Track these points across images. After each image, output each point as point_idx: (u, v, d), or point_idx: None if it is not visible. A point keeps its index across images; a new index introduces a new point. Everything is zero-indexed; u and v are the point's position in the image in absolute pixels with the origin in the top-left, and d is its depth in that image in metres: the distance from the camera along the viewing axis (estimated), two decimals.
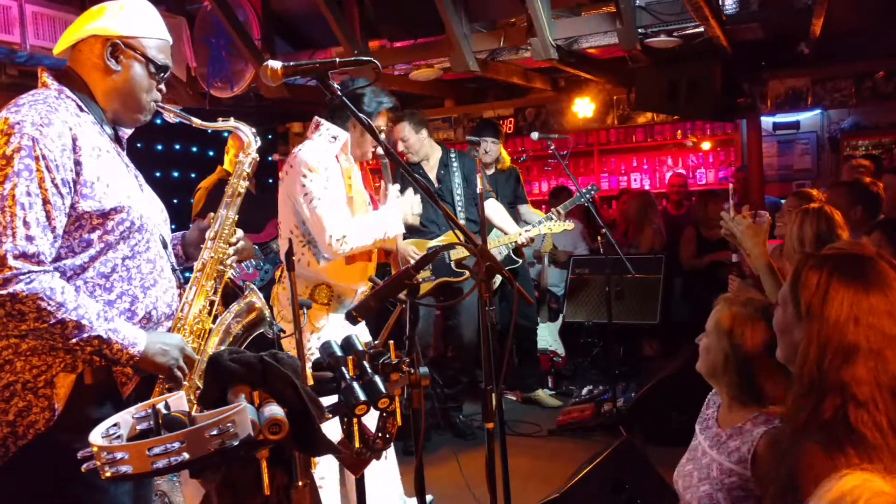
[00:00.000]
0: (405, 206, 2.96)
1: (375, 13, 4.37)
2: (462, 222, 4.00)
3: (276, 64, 1.69)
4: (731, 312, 1.77)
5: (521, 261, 4.51)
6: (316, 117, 2.81)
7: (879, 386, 1.26)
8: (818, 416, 1.28)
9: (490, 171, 4.66)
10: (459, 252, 3.92)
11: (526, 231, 4.05)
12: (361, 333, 2.87)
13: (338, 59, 1.72)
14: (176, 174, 6.32)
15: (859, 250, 1.45)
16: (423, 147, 4.05)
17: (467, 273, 3.90)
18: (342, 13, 4.24)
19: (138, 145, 5.80)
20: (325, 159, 2.68)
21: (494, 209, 4.06)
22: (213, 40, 4.61)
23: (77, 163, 1.60)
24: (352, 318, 1.67)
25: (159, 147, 6.22)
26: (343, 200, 2.72)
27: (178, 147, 6.38)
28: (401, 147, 3.98)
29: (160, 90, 1.81)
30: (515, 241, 4.03)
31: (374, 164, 3.34)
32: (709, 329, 1.84)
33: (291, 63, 1.71)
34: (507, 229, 4.06)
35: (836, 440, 1.24)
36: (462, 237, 1.76)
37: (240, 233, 1.96)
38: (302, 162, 2.66)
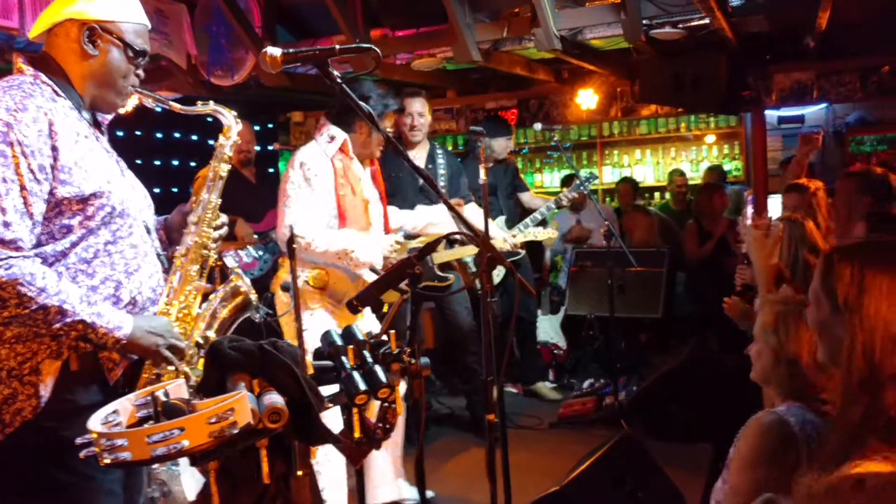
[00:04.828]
0: (384, 246, 2.91)
1: (378, 2, 4.33)
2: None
3: (275, 51, 1.67)
4: (774, 312, 1.77)
5: (522, 252, 4.49)
6: (322, 118, 2.91)
7: None
8: (880, 412, 1.21)
9: (488, 164, 4.62)
10: (442, 256, 3.89)
11: (512, 236, 4.02)
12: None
13: (338, 47, 1.70)
14: (175, 162, 6.29)
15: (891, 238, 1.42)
16: (426, 130, 4.01)
17: (451, 278, 3.88)
18: (344, 2, 4.21)
19: (137, 133, 5.77)
20: (314, 159, 2.79)
21: (476, 214, 3.89)
22: (214, 28, 4.58)
23: (54, 148, 1.58)
24: (353, 306, 1.65)
25: (159, 135, 6.19)
26: (322, 200, 2.78)
27: (177, 135, 6.35)
28: (416, 122, 3.90)
29: (138, 75, 1.80)
30: (501, 248, 3.98)
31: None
32: (757, 334, 1.83)
33: (291, 50, 1.69)
34: (492, 234, 4.00)
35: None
36: (464, 226, 1.74)
37: (224, 217, 1.94)
38: (294, 160, 2.80)
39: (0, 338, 1.58)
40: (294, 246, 1.48)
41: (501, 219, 4.55)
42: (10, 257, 1.51)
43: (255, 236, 4.22)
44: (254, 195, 4.33)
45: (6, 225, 1.51)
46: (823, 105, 6.16)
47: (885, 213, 2.94)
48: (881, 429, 1.21)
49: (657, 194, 7.04)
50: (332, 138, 2.82)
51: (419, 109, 3.90)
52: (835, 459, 1.22)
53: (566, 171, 7.18)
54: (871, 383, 1.23)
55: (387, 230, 3.03)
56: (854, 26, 4.69)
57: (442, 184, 4.02)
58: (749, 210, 2.64)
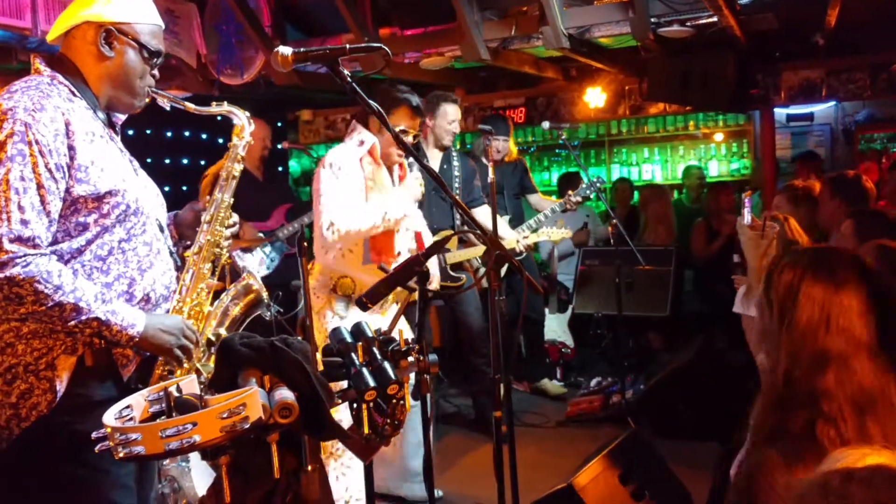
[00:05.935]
0: (412, 188, 2.96)
1: (387, 1, 4.35)
2: (457, 223, 3.99)
3: (286, 50, 1.69)
4: None
5: (525, 253, 4.48)
6: (353, 121, 2.94)
7: (846, 398, 1.19)
8: (786, 427, 1.20)
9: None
10: (455, 256, 3.90)
11: (524, 237, 4.01)
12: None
13: (348, 46, 1.72)
14: (185, 161, 6.32)
15: (835, 247, 1.41)
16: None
17: (463, 278, 3.88)
18: (353, 1, 4.22)
19: (147, 132, 5.79)
20: (343, 158, 2.81)
21: (488, 216, 3.83)
22: (224, 27, 4.60)
23: (71, 147, 1.61)
24: (362, 304, 1.67)
25: (169, 134, 6.21)
26: (354, 197, 2.79)
27: (187, 134, 6.37)
28: (454, 128, 3.92)
29: (153, 76, 1.83)
30: (513, 249, 3.97)
31: None
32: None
33: (302, 49, 1.71)
34: (503, 235, 4.00)
35: (798, 451, 1.17)
36: (472, 226, 1.75)
37: (235, 217, 1.97)
38: (324, 161, 2.82)
39: (17, 333, 1.61)
40: (304, 244, 1.50)
41: (505, 219, 4.54)
42: (28, 255, 1.54)
43: (261, 234, 4.24)
44: (261, 193, 4.34)
45: (24, 223, 1.54)
46: (832, 103, 6.13)
47: (872, 211, 2.92)
48: (780, 441, 1.19)
49: None
50: (362, 143, 2.85)
51: (457, 117, 3.91)
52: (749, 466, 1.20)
53: (574, 170, 7.18)
54: (788, 401, 1.20)
55: (419, 244, 3.04)
56: (863, 23, 4.67)
57: (456, 185, 4.02)
58: (746, 211, 2.64)
